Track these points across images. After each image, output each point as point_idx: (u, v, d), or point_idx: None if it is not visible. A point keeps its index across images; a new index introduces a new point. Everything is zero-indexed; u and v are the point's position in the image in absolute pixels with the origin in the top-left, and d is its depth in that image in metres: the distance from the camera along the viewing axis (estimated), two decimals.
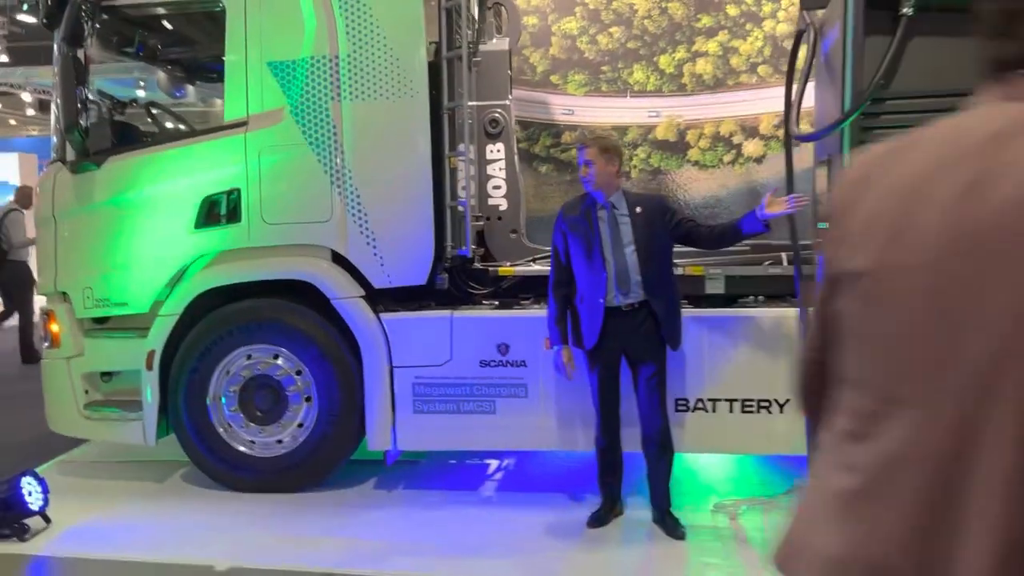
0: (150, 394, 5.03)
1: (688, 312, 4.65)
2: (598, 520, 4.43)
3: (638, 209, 4.25)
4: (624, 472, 4.49)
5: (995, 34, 1.10)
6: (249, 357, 5.03)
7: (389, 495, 5.06)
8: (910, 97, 3.47)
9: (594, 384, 4.33)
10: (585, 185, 4.29)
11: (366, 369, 4.90)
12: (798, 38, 4.44)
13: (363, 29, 4.77)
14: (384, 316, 4.92)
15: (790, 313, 4.64)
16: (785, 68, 5.63)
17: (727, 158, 5.79)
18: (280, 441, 5.05)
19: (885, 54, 3.42)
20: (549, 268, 5.15)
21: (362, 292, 4.94)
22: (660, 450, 4.30)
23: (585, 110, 6.03)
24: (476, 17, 5.42)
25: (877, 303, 1.07)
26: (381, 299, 5.03)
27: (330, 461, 5.04)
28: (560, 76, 5.94)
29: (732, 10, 5.77)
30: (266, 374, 5.03)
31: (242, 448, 5.08)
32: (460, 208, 4.99)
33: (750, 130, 5.75)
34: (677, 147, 5.83)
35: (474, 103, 5.17)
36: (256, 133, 4.91)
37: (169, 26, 5.62)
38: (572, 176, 5.90)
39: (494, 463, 5.57)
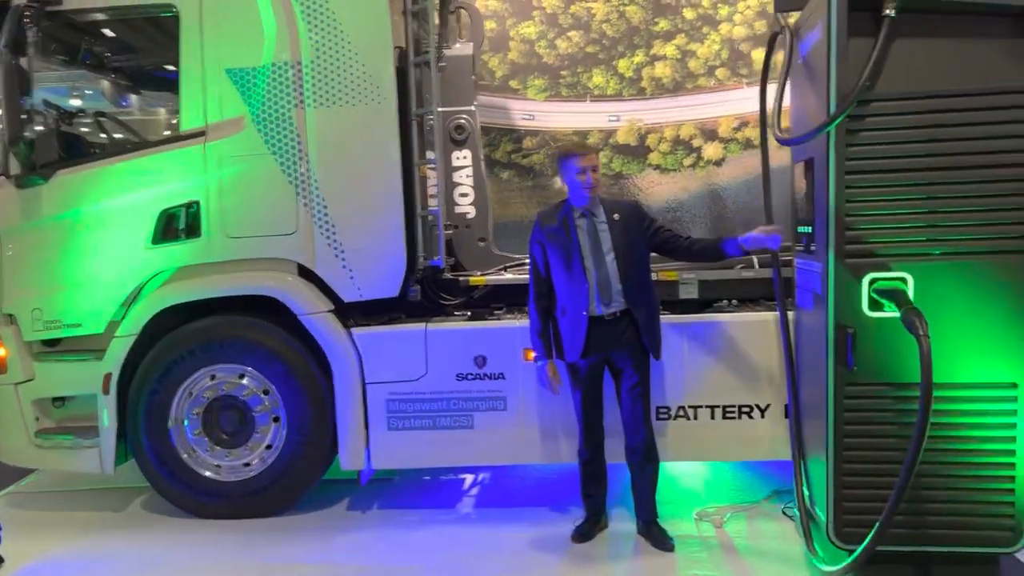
0: (107, 419, 4.77)
1: (666, 319, 4.59)
2: (583, 534, 4.33)
3: (616, 216, 4.16)
4: (608, 484, 4.40)
5: None
6: (213, 377, 4.81)
7: (364, 516, 4.88)
8: (895, 99, 3.45)
9: (577, 396, 4.23)
10: (584, 193, 4.14)
11: (337, 386, 4.72)
12: (772, 40, 4.41)
13: (326, 34, 4.61)
14: (355, 331, 4.75)
15: (769, 317, 4.60)
16: (742, 71, 5.69)
17: (687, 161, 5.77)
18: (248, 464, 4.84)
19: (869, 56, 3.39)
20: (518, 277, 5.09)
21: (331, 307, 4.77)
22: (645, 460, 4.22)
23: (546, 115, 5.97)
24: (438, 21, 5.30)
25: None
26: (349, 313, 4.86)
27: (301, 483, 4.85)
28: (519, 81, 5.87)
29: (689, 13, 5.76)
30: (231, 395, 4.81)
31: (208, 473, 4.85)
32: (432, 217, 4.85)
33: (709, 133, 5.74)
34: (638, 151, 5.79)
35: (440, 109, 5.04)
36: (215, 143, 4.71)
37: (119, 33, 5.35)
38: (534, 182, 5.84)
39: (469, 478, 5.43)
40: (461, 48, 5.54)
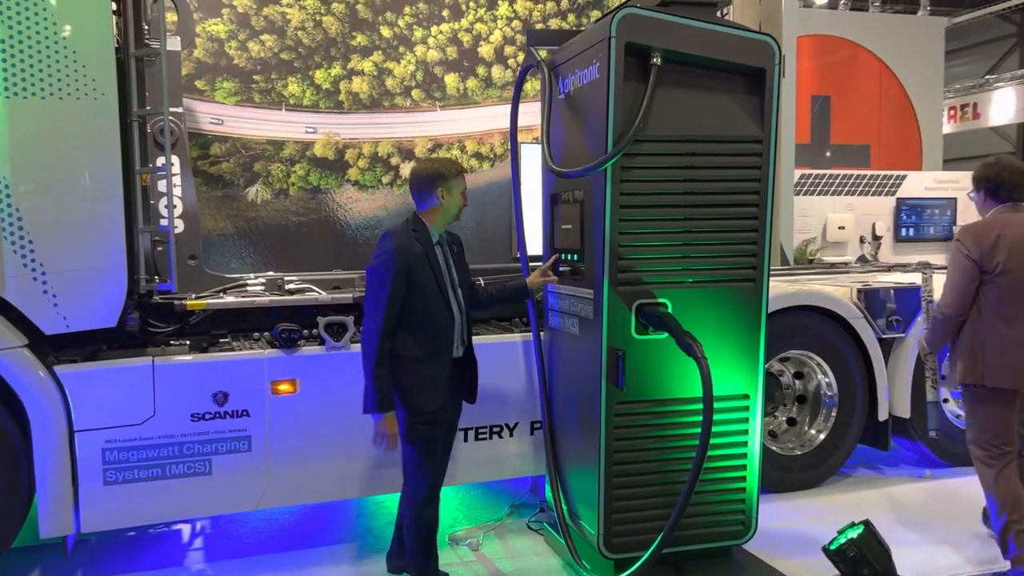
0: None
1: None
2: None
3: (454, 247, 3.94)
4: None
5: None
6: None
7: None
8: (659, 141, 3.77)
9: (427, 445, 3.74)
10: (457, 217, 3.90)
11: (35, 438, 3.88)
12: (523, 73, 4.55)
13: (22, 11, 3.78)
14: (60, 369, 3.94)
15: (517, 339, 4.73)
16: (436, 94, 5.84)
17: (386, 179, 5.77)
18: None
19: (642, 99, 3.67)
20: (242, 300, 4.63)
21: (24, 341, 3.91)
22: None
23: (236, 120, 5.55)
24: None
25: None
26: (39, 346, 4.03)
27: None
28: (207, 82, 5.38)
29: (386, 32, 5.77)
30: None
31: None
32: (161, 233, 4.23)
33: (407, 152, 5.80)
34: (336, 166, 5.65)
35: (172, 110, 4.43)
36: None
37: None
38: (223, 192, 5.41)
39: (187, 529, 4.80)
40: (168, 43, 4.89)
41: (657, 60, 3.69)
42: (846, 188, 14.04)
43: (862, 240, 13.39)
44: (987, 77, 22.00)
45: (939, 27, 17.41)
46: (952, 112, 20.71)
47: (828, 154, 15.99)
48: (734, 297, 3.95)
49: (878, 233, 13.38)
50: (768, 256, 3.97)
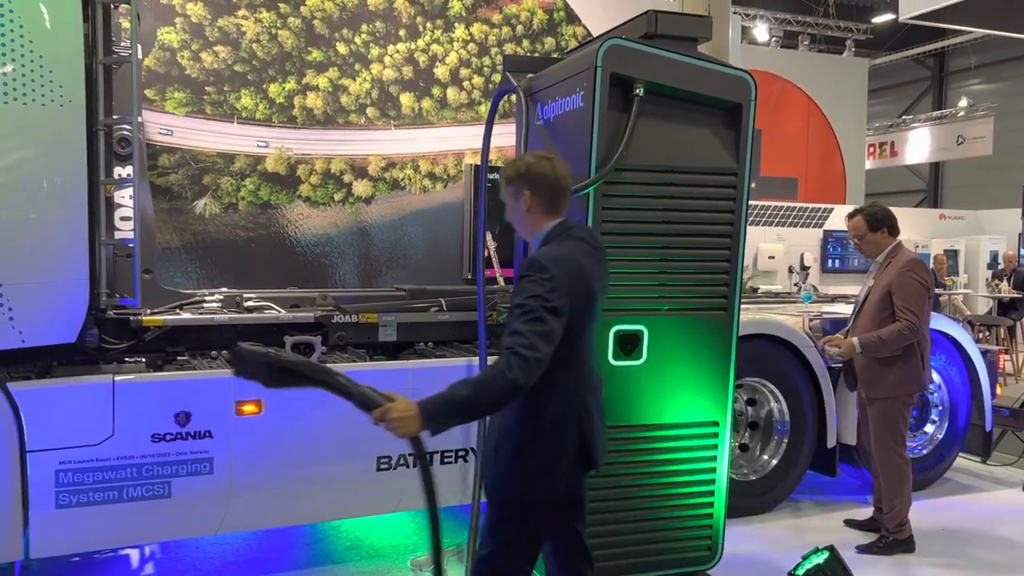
0: None
1: (389, 365, 4.47)
2: None
3: None
4: None
5: None
6: None
7: None
8: (640, 170, 3.84)
9: None
10: None
11: None
12: (498, 97, 4.57)
13: None
14: (14, 386, 3.74)
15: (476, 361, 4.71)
16: (391, 113, 5.82)
17: (338, 196, 5.70)
18: None
19: (624, 128, 3.73)
20: (199, 316, 4.50)
21: None
22: None
23: (186, 132, 5.42)
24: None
25: None
26: None
27: None
28: (157, 91, 5.24)
29: (342, 48, 5.73)
30: None
31: None
32: (125, 247, 4.07)
33: (359, 170, 5.75)
34: (287, 181, 5.57)
35: (112, 118, 4.27)
36: None
37: None
38: (170, 204, 5.27)
39: (135, 553, 4.59)
40: (126, 50, 4.76)
41: (639, 91, 3.77)
42: (776, 219, 14.50)
43: (791, 270, 13.83)
44: (904, 117, 23.10)
45: (863, 68, 18.22)
46: (872, 149, 21.65)
47: (753, 185, 16.53)
48: (707, 326, 4.02)
49: (806, 263, 13.87)
50: (739, 286, 4.06)
